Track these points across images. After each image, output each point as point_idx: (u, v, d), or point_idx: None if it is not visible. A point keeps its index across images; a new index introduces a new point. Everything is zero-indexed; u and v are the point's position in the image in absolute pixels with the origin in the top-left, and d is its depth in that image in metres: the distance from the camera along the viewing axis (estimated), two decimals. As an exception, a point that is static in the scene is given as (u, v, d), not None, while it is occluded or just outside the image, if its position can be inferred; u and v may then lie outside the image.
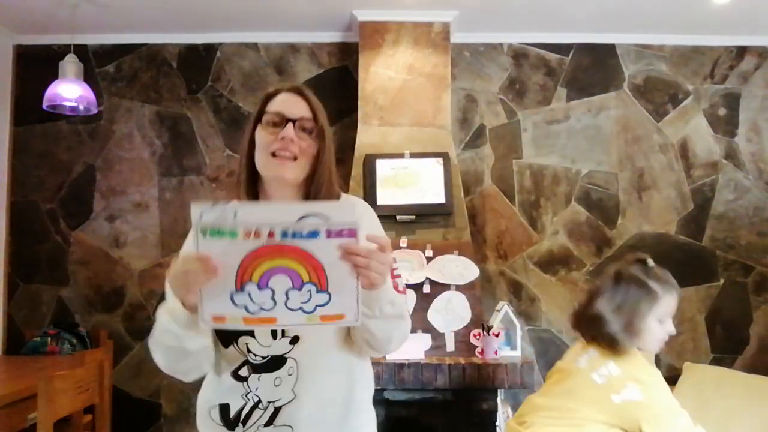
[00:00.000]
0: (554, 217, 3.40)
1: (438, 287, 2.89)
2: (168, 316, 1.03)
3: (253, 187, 1.19)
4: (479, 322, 2.85)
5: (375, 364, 1.07)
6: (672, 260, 3.33)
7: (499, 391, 2.70)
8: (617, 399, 1.54)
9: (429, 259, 2.93)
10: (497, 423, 2.69)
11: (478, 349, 2.78)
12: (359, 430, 1.21)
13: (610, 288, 1.66)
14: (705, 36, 3.39)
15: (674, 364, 3.26)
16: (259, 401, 1.13)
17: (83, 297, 3.41)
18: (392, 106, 3.17)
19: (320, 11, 3.20)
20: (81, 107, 3.02)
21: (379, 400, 2.42)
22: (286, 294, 0.92)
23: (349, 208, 0.93)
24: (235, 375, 1.15)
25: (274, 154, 1.13)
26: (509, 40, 3.47)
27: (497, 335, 2.76)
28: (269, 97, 1.21)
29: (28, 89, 3.42)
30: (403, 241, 2.97)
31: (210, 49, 3.49)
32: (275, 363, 1.13)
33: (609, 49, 3.46)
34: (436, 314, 2.86)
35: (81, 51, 3.32)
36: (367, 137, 3.14)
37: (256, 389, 1.13)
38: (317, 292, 0.92)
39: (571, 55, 3.46)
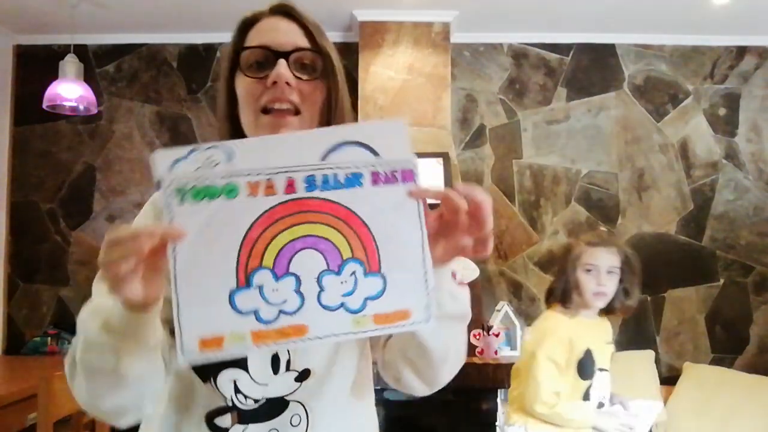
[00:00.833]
0: (554, 217, 3.40)
1: (438, 287, 2.89)
2: (96, 322, 0.66)
3: None
4: (479, 322, 2.85)
5: (373, 363, 0.89)
6: (672, 260, 3.34)
7: (499, 391, 2.70)
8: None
9: (429, 259, 2.92)
10: (497, 423, 2.69)
11: (478, 349, 2.78)
12: None
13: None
14: (705, 36, 3.39)
15: (674, 364, 3.26)
16: None
17: (83, 297, 3.37)
18: (392, 106, 3.17)
19: (320, 11, 3.17)
20: (81, 107, 3.02)
21: (379, 400, 2.41)
22: (319, 281, 0.60)
23: (399, 132, 0.63)
24: (211, 424, 0.79)
25: (265, 110, 0.80)
26: (509, 40, 3.47)
27: (497, 335, 2.77)
28: (246, 27, 0.85)
29: (28, 89, 3.41)
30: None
31: (210, 49, 3.49)
32: (272, 408, 0.79)
33: (609, 49, 3.45)
34: (436, 314, 2.86)
35: (81, 51, 3.32)
36: (367, 137, 3.14)
37: None
38: (366, 274, 0.61)
39: (571, 55, 3.46)
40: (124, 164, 3.45)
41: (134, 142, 3.47)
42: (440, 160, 3.04)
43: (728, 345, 3.32)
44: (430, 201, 0.63)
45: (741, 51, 3.44)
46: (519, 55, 3.48)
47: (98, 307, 0.68)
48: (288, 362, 0.79)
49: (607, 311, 2.06)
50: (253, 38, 0.83)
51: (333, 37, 3.46)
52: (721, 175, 3.40)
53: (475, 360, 2.68)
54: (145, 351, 0.66)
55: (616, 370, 3.03)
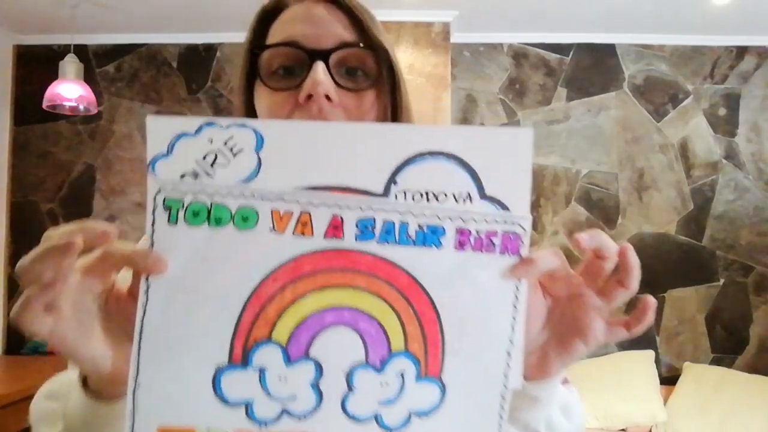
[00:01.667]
0: (554, 217, 3.40)
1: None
2: (50, 408, 0.50)
3: None
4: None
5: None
6: (672, 260, 3.34)
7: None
8: None
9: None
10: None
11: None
12: None
13: None
14: (705, 36, 3.39)
15: (674, 364, 3.26)
16: None
17: (83, 297, 3.41)
18: (392, 106, 3.16)
19: (320, 11, 3.20)
20: (81, 107, 3.02)
21: None
22: (349, 377, 0.42)
23: (522, 150, 0.41)
24: None
25: None
26: (509, 40, 3.47)
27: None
28: (267, 19, 0.62)
29: (28, 89, 3.42)
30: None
31: (210, 49, 3.49)
32: None
33: (609, 49, 3.45)
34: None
35: (81, 51, 3.32)
36: (367, 137, 3.14)
37: None
38: (418, 379, 0.42)
39: (571, 55, 3.46)
40: (124, 164, 3.45)
41: (134, 142, 3.47)
42: (440, 160, 3.04)
43: (728, 345, 3.32)
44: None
45: (741, 51, 3.43)
46: (519, 55, 3.48)
47: (53, 386, 0.48)
48: None
49: None
50: (277, 33, 0.59)
51: (333, 37, 3.48)
52: (721, 175, 3.40)
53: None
54: None
55: (616, 370, 3.05)
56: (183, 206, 0.39)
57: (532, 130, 0.42)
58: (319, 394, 0.41)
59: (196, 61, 3.49)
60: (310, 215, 0.40)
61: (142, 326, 0.40)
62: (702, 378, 2.98)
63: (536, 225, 3.39)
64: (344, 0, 0.59)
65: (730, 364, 3.25)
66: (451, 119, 3.23)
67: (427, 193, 0.41)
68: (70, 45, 3.13)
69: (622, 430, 2.86)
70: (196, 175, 0.40)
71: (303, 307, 0.41)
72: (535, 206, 3.40)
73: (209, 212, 0.40)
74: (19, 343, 3.33)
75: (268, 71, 0.58)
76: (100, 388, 0.42)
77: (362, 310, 0.41)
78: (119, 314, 0.40)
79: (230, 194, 0.40)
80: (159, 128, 0.40)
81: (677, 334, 3.32)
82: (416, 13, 3.16)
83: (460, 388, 0.42)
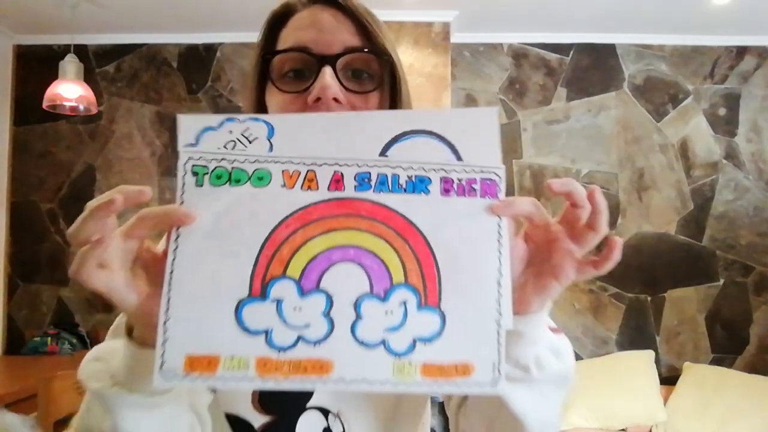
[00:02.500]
0: (554, 218, 3.39)
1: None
2: (97, 367, 0.52)
3: None
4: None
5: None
6: (672, 260, 3.34)
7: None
8: None
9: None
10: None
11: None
12: None
13: None
14: (705, 36, 3.39)
15: (674, 364, 3.26)
16: None
17: (83, 297, 3.41)
18: (392, 106, 3.17)
19: (320, 11, 3.20)
20: (81, 107, 3.02)
21: None
22: (357, 306, 0.46)
23: (488, 125, 0.49)
24: None
25: None
26: (509, 40, 3.47)
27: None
28: (277, 24, 0.66)
29: (28, 89, 3.42)
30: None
31: (210, 49, 3.49)
32: None
33: (609, 49, 3.45)
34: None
35: (81, 51, 3.32)
36: (367, 137, 3.14)
37: None
38: (420, 308, 0.47)
39: (571, 55, 3.46)
40: (124, 164, 3.45)
41: (134, 142, 3.47)
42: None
43: (728, 345, 3.32)
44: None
45: (741, 51, 3.44)
46: (519, 55, 3.48)
47: (103, 350, 0.53)
48: (302, 396, 0.64)
49: None
50: (287, 38, 0.63)
51: (333, 37, 3.48)
52: (721, 175, 3.40)
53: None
54: (162, 400, 0.51)
55: (616, 370, 3.05)
56: (208, 171, 0.47)
57: (497, 108, 0.51)
58: (331, 322, 0.46)
59: (196, 61, 3.49)
60: (315, 173, 0.47)
61: (172, 268, 0.46)
62: (702, 378, 2.98)
63: (536, 225, 3.39)
64: (349, 6, 0.64)
65: (730, 364, 3.25)
66: (451, 119, 3.23)
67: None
68: (70, 45, 3.13)
69: (622, 430, 2.86)
70: None
71: (312, 247, 0.46)
72: (535, 206, 3.40)
73: (230, 175, 0.47)
74: (19, 343, 3.33)
75: (279, 74, 0.63)
76: (145, 336, 0.48)
77: (365, 248, 0.47)
78: (157, 270, 0.46)
79: (247, 160, 0.47)
80: (188, 124, 0.48)
81: (677, 334, 3.32)
82: (416, 13, 3.16)
83: (458, 316, 0.47)
